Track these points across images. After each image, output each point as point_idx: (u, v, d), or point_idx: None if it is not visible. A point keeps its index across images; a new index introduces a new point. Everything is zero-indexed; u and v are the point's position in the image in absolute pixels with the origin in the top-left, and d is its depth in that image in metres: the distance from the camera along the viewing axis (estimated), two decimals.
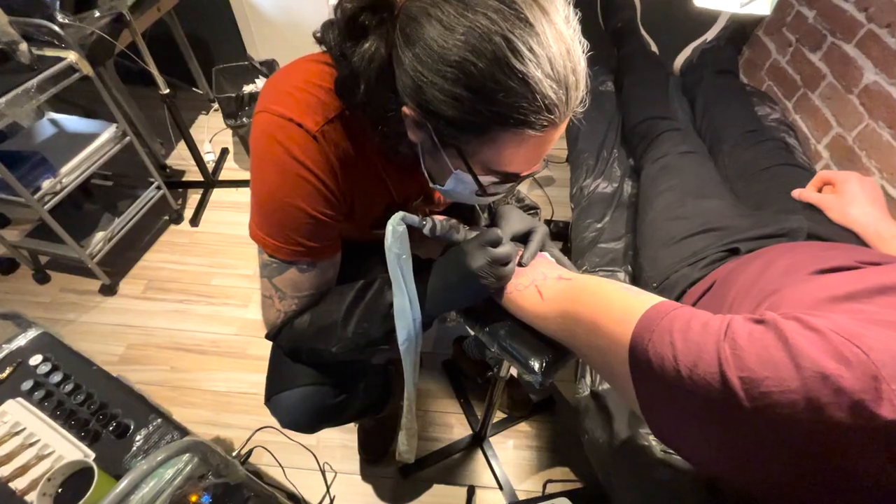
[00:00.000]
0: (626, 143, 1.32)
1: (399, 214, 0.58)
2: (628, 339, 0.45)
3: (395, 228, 0.57)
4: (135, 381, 1.55)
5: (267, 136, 0.59)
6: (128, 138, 1.60)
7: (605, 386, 0.85)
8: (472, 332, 0.75)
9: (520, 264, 0.67)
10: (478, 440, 1.34)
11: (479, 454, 1.34)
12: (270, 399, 0.82)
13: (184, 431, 0.67)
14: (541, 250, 0.71)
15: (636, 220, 1.09)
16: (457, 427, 1.40)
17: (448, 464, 1.32)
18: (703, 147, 1.12)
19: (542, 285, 0.62)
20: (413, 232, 0.61)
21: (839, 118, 1.34)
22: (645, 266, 0.91)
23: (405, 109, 0.53)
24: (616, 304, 0.50)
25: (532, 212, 0.85)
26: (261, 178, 0.62)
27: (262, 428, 1.28)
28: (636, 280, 0.91)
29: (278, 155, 0.59)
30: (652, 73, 1.40)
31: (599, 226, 1.14)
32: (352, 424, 1.39)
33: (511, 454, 1.34)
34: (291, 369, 0.81)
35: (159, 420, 0.66)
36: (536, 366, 0.65)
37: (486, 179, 0.56)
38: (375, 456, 1.35)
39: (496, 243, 0.61)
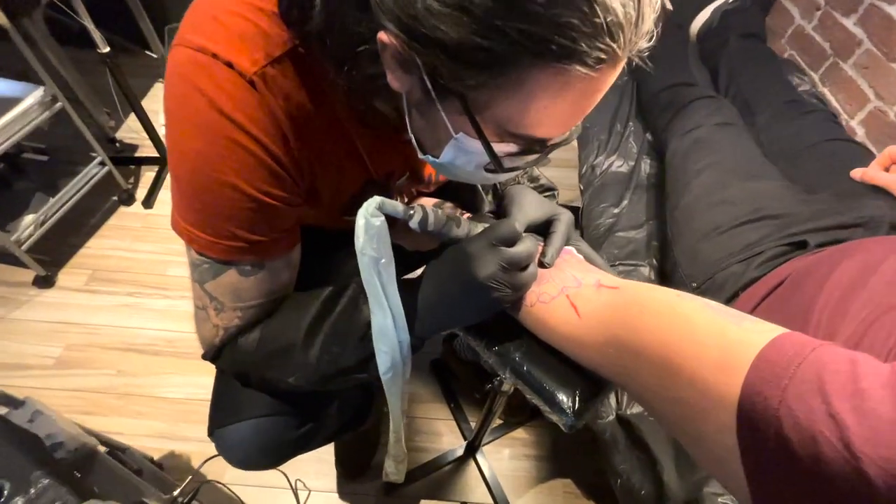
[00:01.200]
0: (644, 114, 1.16)
1: (374, 201, 0.40)
2: (735, 396, 0.29)
3: (370, 221, 0.39)
4: (74, 387, 1.38)
5: (183, 82, 0.41)
6: (59, 105, 1.36)
7: (638, 409, 0.69)
8: (475, 348, 0.58)
9: (540, 265, 0.50)
10: (470, 450, 1.22)
11: (472, 466, 1.22)
12: (214, 432, 0.64)
13: (85, 492, 0.49)
14: (566, 244, 0.54)
15: (661, 204, 0.93)
16: (447, 435, 1.29)
17: (437, 477, 1.20)
18: (740, 118, 0.96)
19: (576, 295, 0.45)
20: (395, 223, 0.43)
21: (879, 90, 1.19)
22: (681, 261, 0.75)
23: (383, 37, 0.35)
24: (703, 333, 0.33)
25: (549, 193, 0.67)
26: (178, 145, 0.43)
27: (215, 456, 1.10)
28: (668, 279, 0.75)
29: (199, 109, 0.40)
30: (670, 35, 1.23)
31: (616, 211, 0.98)
32: None
33: (507, 465, 1.23)
34: (241, 394, 0.64)
35: (46, 481, 0.47)
36: (566, 402, 0.48)
37: (500, 148, 0.39)
38: (355, 470, 1.22)
39: (511, 240, 0.44)
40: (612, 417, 0.70)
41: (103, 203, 1.73)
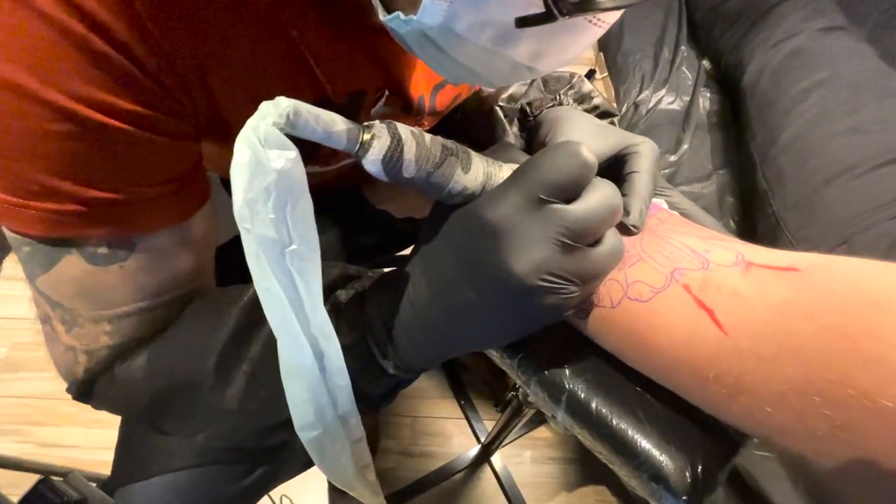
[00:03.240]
0: (700, 35, 0.94)
1: (274, 107, 0.20)
2: None
3: (261, 158, 0.19)
4: (21, 393, 1.20)
5: None
6: None
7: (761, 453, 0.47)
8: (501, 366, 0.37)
9: (621, 230, 0.27)
10: (485, 454, 1.08)
11: (488, 472, 1.08)
12: (115, 492, 0.44)
13: None
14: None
15: (734, 145, 0.70)
16: (457, 437, 1.14)
17: (447, 487, 1.06)
18: (849, 22, 0.71)
19: (703, 285, 0.24)
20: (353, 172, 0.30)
21: None
22: (787, 219, 0.53)
23: None
24: None
25: (609, 121, 0.44)
26: None
27: None
28: (766, 241, 0.52)
29: None
30: None
31: (674, 158, 0.76)
32: None
33: (529, 470, 1.09)
34: (154, 436, 0.43)
35: None
36: (677, 475, 0.27)
37: None
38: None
39: (572, 187, 0.24)
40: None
41: None
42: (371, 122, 0.22)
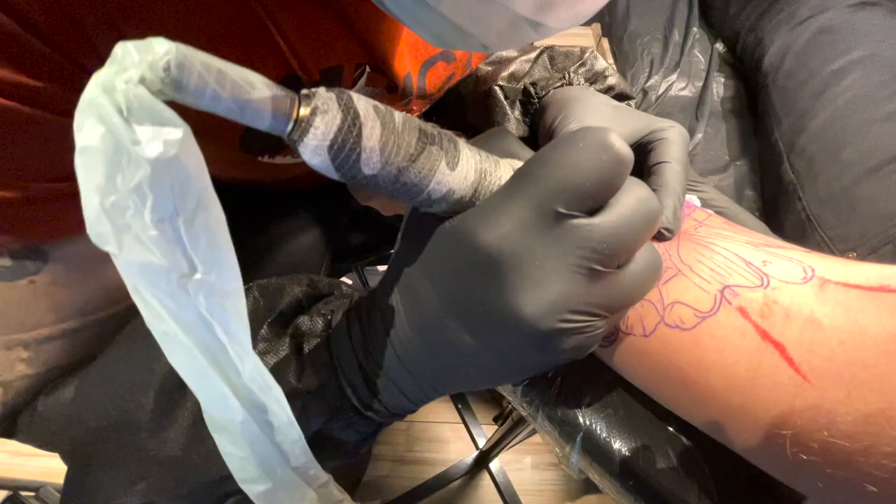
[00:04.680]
0: (715, 13, 0.90)
1: (147, 49, 0.12)
2: None
3: (119, 128, 0.12)
4: None
5: None
6: None
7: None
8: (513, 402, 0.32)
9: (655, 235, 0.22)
10: (483, 460, 1.05)
11: (486, 479, 1.05)
12: None
13: None
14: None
15: (753, 134, 0.65)
16: (454, 442, 1.11)
17: (444, 495, 1.03)
18: None
19: (767, 311, 0.18)
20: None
21: None
22: (819, 215, 0.48)
23: None
24: None
25: (626, 103, 0.38)
26: None
27: None
28: (794, 240, 0.47)
29: None
30: None
31: (688, 149, 0.68)
32: None
33: (529, 477, 1.05)
34: (103, 471, 0.38)
35: None
36: None
37: None
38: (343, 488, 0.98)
39: (600, 192, 0.17)
40: None
41: None
42: (311, 91, 0.15)
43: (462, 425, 1.11)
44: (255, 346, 0.24)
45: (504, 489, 1.02)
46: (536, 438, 1.12)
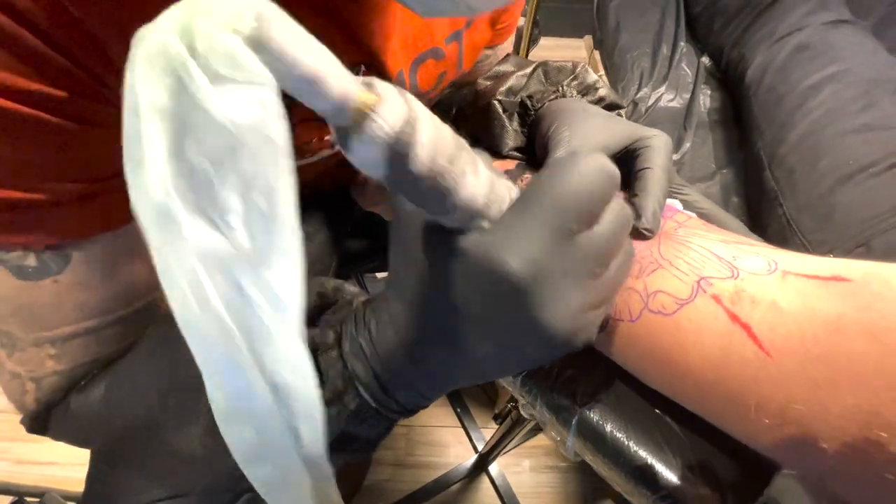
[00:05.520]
0: (700, 31, 0.93)
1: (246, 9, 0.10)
2: None
3: (201, 83, 0.10)
4: None
5: None
6: None
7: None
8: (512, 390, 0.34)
9: (635, 234, 0.24)
10: (483, 464, 1.06)
11: (486, 482, 1.05)
12: None
13: None
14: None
15: (737, 144, 0.68)
16: (454, 446, 1.11)
17: (443, 499, 1.04)
18: (851, 16, 0.69)
19: (736, 296, 0.20)
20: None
21: None
22: (799, 220, 0.51)
23: None
24: None
25: (616, 112, 0.41)
26: None
27: None
28: (776, 244, 0.50)
29: None
30: None
31: (675, 158, 0.72)
32: None
33: (528, 480, 1.06)
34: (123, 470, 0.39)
35: None
36: None
37: None
38: (343, 493, 0.99)
39: (592, 209, 0.19)
40: None
41: None
42: (370, 78, 0.14)
43: (461, 429, 1.11)
44: None
45: (503, 492, 1.03)
46: (534, 442, 1.13)
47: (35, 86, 0.21)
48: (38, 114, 0.21)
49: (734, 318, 0.20)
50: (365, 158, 0.15)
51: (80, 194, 0.25)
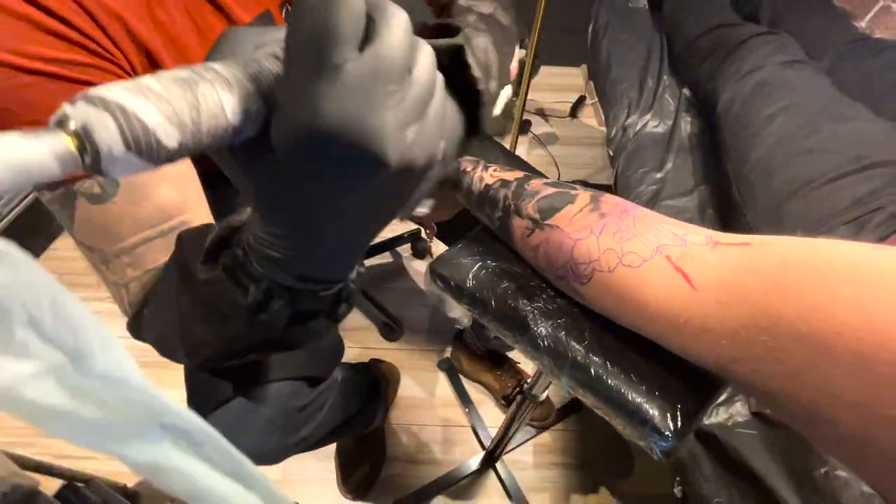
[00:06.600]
0: (680, 66, 1.02)
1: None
2: None
3: None
4: None
5: None
6: None
7: (720, 418, 0.53)
8: (507, 342, 0.43)
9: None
10: (490, 460, 1.09)
11: (493, 478, 1.09)
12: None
13: None
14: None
15: (712, 165, 0.78)
16: (461, 444, 1.15)
17: (453, 493, 1.07)
18: (806, 56, 0.80)
19: (681, 257, 0.30)
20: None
21: None
22: (758, 227, 0.60)
23: None
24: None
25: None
26: None
27: None
28: None
29: None
30: None
31: (659, 176, 0.83)
32: (327, 451, 1.10)
33: (532, 475, 1.10)
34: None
35: None
36: (663, 420, 0.33)
37: None
38: (360, 490, 1.06)
39: (357, 28, 0.17)
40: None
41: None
42: (61, 113, 0.14)
43: (469, 428, 1.15)
44: (197, 276, 0.27)
45: (509, 486, 1.05)
46: (538, 440, 1.15)
47: (67, 55, 0.31)
48: (63, 72, 0.31)
49: (677, 268, 0.30)
50: (125, 171, 0.15)
51: None
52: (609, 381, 0.36)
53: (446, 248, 0.47)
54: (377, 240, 0.77)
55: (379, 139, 0.17)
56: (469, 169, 0.46)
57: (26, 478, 0.64)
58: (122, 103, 0.14)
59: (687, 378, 0.34)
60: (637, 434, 0.34)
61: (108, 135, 0.14)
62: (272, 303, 0.26)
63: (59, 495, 0.83)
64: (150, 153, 0.15)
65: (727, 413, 0.51)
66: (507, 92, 0.39)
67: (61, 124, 0.14)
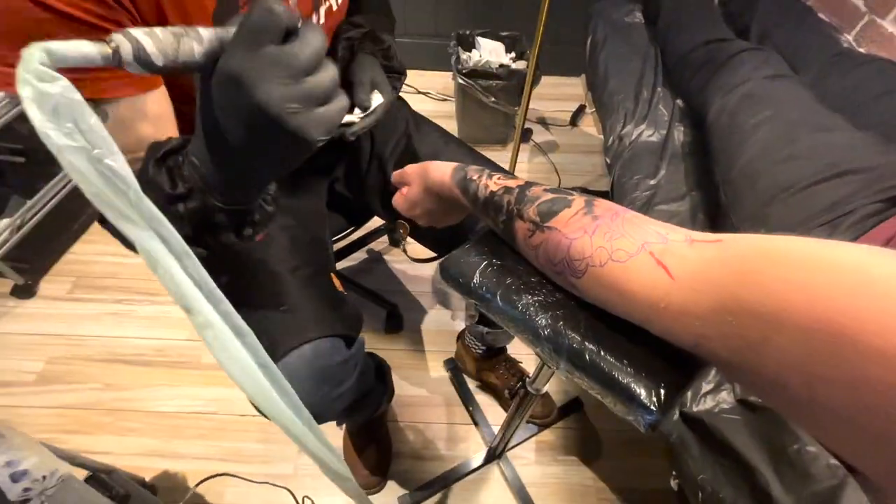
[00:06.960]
0: (674, 79, 1.06)
1: (35, 52, 0.23)
2: None
3: (40, 89, 0.22)
4: (57, 404, 1.26)
5: None
6: None
7: (707, 405, 0.58)
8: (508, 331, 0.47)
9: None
10: (493, 457, 1.12)
11: (496, 474, 1.12)
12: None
13: None
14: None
15: (703, 172, 0.83)
16: (465, 442, 1.18)
17: (457, 489, 1.10)
18: (791, 70, 0.85)
19: (662, 252, 0.35)
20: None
21: None
22: (744, 229, 0.64)
23: None
24: (852, 276, 0.24)
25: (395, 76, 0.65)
26: None
27: (212, 476, 0.99)
28: None
29: None
30: None
31: (653, 182, 0.87)
32: (336, 446, 1.12)
33: (534, 472, 1.13)
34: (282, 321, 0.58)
35: None
36: (649, 397, 0.37)
37: None
38: (369, 484, 1.10)
39: (272, 28, 0.28)
40: (675, 416, 0.59)
41: (88, 205, 1.62)
42: (110, 36, 0.25)
43: (472, 425, 1.18)
44: (149, 172, 0.37)
45: (512, 481, 1.08)
46: (540, 438, 1.17)
47: (89, 5, 0.37)
48: (76, 13, 0.37)
49: (659, 262, 0.35)
50: (133, 72, 0.27)
51: (101, 76, 0.40)
52: (602, 365, 0.40)
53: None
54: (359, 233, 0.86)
55: (260, 94, 0.28)
56: (475, 177, 0.51)
57: (60, 464, 0.69)
58: (138, 38, 0.26)
59: (669, 360, 0.38)
60: (626, 410, 0.38)
61: (126, 51, 0.25)
62: (190, 198, 0.37)
63: (86, 482, 0.88)
64: (147, 65, 0.27)
65: (714, 401, 0.56)
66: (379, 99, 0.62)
67: (108, 41, 0.25)
